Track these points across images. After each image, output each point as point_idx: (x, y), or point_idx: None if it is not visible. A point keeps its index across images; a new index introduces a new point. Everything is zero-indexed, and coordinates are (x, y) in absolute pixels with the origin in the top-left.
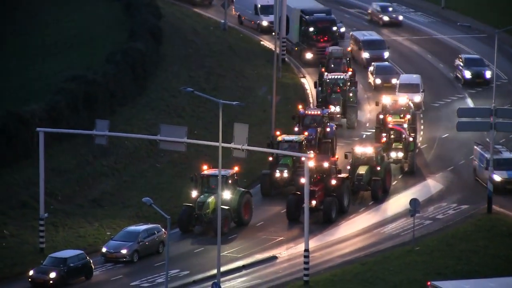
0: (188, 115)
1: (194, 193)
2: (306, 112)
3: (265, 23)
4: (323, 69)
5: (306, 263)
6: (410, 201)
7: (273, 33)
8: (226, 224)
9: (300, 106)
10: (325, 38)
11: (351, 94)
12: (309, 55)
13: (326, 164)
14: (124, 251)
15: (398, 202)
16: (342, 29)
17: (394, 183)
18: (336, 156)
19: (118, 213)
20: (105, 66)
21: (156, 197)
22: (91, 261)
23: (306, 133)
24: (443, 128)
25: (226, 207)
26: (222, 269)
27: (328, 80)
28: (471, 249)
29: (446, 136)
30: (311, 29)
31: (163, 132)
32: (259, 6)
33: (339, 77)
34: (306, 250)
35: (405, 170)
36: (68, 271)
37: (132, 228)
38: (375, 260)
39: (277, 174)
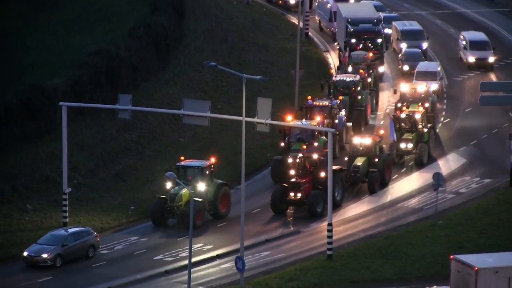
0: (212, 90)
1: (169, 185)
2: (314, 102)
3: None
4: (331, 71)
5: (329, 237)
6: (433, 175)
7: (335, 43)
8: (199, 217)
9: (308, 97)
10: (369, 56)
11: (359, 97)
12: (351, 69)
13: (315, 156)
14: (45, 255)
15: (421, 177)
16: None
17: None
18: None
19: (141, 187)
20: (128, 41)
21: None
22: None
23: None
24: (466, 102)
25: (200, 200)
26: (246, 243)
27: (336, 81)
28: (493, 222)
29: (469, 110)
30: (353, 40)
31: (187, 107)
32: (334, 12)
33: (347, 79)
34: (330, 224)
35: (414, 162)
36: None
37: (58, 231)
38: (398, 234)
39: (290, 160)
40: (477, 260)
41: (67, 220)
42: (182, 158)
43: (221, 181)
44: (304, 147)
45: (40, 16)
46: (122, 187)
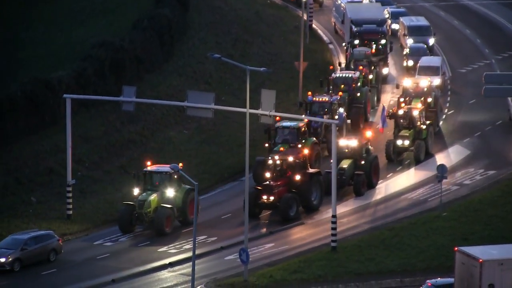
0: (215, 82)
1: (136, 191)
2: (314, 98)
3: None
4: (331, 67)
5: (333, 229)
6: (437, 166)
7: (343, 44)
8: (168, 224)
9: (309, 93)
10: (371, 52)
11: (358, 94)
12: (352, 65)
13: (290, 159)
14: (2, 260)
15: (425, 168)
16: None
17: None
18: (306, 151)
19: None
20: (132, 33)
21: (184, 164)
22: None
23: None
24: (470, 94)
25: (169, 206)
26: (250, 235)
27: (335, 78)
28: (498, 214)
29: (473, 102)
30: (356, 41)
31: (191, 99)
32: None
33: (347, 75)
34: (334, 216)
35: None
36: None
37: (17, 235)
38: (402, 226)
39: (270, 162)
40: (482, 252)
41: (71, 212)
42: (149, 163)
43: (189, 187)
44: (282, 149)
45: (44, 8)
46: (126, 179)
